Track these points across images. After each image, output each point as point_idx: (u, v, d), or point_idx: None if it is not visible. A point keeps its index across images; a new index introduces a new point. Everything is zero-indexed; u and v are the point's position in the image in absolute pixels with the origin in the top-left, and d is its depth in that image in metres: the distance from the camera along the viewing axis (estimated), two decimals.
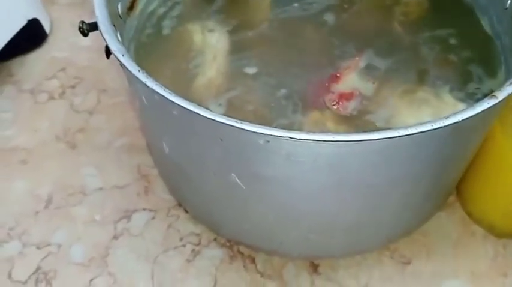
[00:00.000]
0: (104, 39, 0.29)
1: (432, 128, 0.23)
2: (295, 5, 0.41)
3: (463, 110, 0.24)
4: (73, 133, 0.46)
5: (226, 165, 0.28)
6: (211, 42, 0.38)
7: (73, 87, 0.50)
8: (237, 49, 0.38)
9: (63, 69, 0.51)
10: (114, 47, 0.28)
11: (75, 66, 0.52)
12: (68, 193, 0.42)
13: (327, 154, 0.25)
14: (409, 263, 0.38)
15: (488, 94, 0.32)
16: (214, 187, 0.32)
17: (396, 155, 0.26)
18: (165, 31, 0.39)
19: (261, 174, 0.28)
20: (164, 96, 0.25)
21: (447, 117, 0.24)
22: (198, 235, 0.39)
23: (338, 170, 0.27)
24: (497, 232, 0.38)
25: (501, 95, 0.25)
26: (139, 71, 0.26)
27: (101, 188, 0.42)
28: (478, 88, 0.34)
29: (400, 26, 0.39)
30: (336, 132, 0.31)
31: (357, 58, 0.36)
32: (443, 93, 0.34)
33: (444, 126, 0.24)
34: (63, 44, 0.54)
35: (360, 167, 0.27)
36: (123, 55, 0.27)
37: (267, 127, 0.24)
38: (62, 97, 0.49)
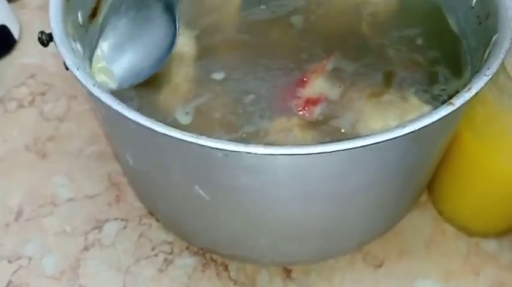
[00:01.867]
0: (59, 52, 0.28)
1: (389, 138, 0.23)
2: (263, 7, 0.40)
3: (420, 118, 0.24)
4: (43, 142, 0.46)
5: (188, 177, 0.28)
6: (178, 47, 0.38)
7: (43, 94, 0.49)
8: (205, 54, 0.37)
9: (32, 76, 0.50)
10: (69, 61, 0.27)
11: (45, 73, 0.51)
12: (38, 204, 0.42)
13: (286, 165, 0.25)
14: (381, 265, 0.38)
15: (453, 95, 0.32)
16: (180, 198, 0.31)
17: (357, 163, 0.26)
18: None
19: (223, 186, 0.28)
20: (119, 112, 0.25)
21: (404, 127, 0.24)
22: (170, 243, 0.39)
23: (299, 181, 0.26)
24: (468, 231, 0.39)
25: (458, 102, 0.25)
26: (94, 85, 0.26)
27: (71, 199, 0.42)
28: (443, 89, 0.34)
29: (368, 28, 0.38)
30: (295, 144, 0.30)
31: (324, 62, 0.36)
32: (409, 96, 0.34)
33: (401, 136, 0.23)
34: (32, 50, 0.53)
35: (321, 177, 0.26)
36: (78, 69, 0.27)
37: (223, 142, 0.23)
38: (32, 105, 0.48)
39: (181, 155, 0.26)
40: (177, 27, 0.33)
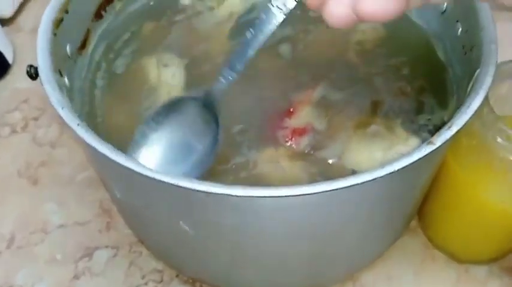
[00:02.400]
0: (45, 90, 0.28)
1: (368, 179, 0.23)
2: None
3: (400, 158, 0.24)
4: (35, 168, 0.46)
5: (172, 214, 0.28)
6: (166, 77, 0.38)
7: (36, 119, 0.49)
8: (193, 84, 0.38)
9: (26, 101, 0.51)
10: (54, 99, 0.27)
11: (38, 97, 0.51)
12: (29, 231, 0.42)
13: (268, 204, 0.25)
14: None
15: (439, 125, 0.33)
16: (166, 231, 0.32)
17: (339, 201, 0.26)
18: (120, 68, 0.38)
19: (208, 223, 0.28)
20: (102, 153, 0.25)
21: (383, 167, 0.24)
22: (160, 271, 0.39)
23: (282, 219, 0.27)
24: (458, 258, 0.38)
25: (438, 140, 0.25)
26: (78, 125, 0.26)
27: (62, 225, 0.42)
28: (429, 119, 0.34)
29: (356, 56, 0.39)
30: (283, 175, 0.31)
31: (310, 91, 0.36)
32: (395, 126, 0.34)
33: (380, 177, 0.24)
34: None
35: (303, 215, 0.26)
36: (62, 108, 0.27)
37: (203, 183, 0.24)
38: (25, 130, 0.49)
39: (165, 194, 0.26)
40: (219, 125, 0.31)
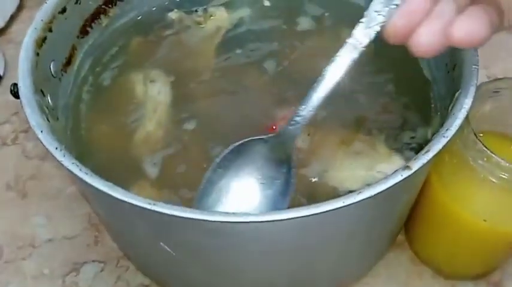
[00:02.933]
0: (25, 113, 0.28)
1: (344, 205, 0.23)
2: (238, 51, 0.40)
3: (376, 184, 0.24)
4: (24, 181, 0.46)
5: (152, 235, 0.28)
6: (152, 93, 0.38)
7: (26, 131, 0.49)
8: (179, 100, 0.38)
9: (16, 113, 0.51)
10: (34, 122, 0.27)
11: None
12: (17, 246, 0.42)
13: (245, 229, 0.25)
14: None
15: (422, 143, 0.32)
16: (148, 250, 0.32)
17: (316, 225, 0.26)
18: (106, 83, 0.38)
19: (187, 245, 0.28)
20: (78, 177, 0.25)
21: (359, 193, 0.24)
22: (147, 286, 0.39)
23: (259, 242, 0.27)
24: (444, 274, 0.38)
25: (415, 165, 0.25)
26: (56, 148, 0.26)
27: (50, 239, 0.42)
28: (413, 137, 0.34)
29: None
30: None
31: (293, 107, 0.36)
32: (379, 144, 0.34)
33: (356, 202, 0.24)
34: None
35: (280, 238, 0.26)
36: (41, 131, 0.27)
37: (177, 208, 0.24)
38: (15, 143, 0.49)
39: (143, 217, 0.26)
40: (292, 167, 0.29)
